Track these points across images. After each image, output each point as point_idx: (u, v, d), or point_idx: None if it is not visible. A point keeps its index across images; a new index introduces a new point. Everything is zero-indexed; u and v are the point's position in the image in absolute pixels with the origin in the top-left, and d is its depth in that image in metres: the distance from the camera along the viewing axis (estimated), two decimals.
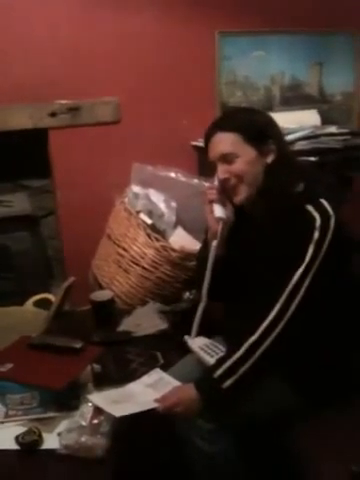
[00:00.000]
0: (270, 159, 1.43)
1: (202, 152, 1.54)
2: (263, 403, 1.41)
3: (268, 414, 1.43)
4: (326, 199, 1.38)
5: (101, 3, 2.34)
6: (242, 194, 1.45)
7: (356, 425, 1.42)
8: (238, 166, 1.42)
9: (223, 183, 1.46)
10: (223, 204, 1.50)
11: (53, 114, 2.36)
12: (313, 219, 1.34)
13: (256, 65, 2.59)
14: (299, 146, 2.28)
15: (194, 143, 2.49)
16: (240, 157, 1.42)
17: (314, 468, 1.34)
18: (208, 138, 1.48)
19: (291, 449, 1.44)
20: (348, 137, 2.43)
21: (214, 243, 1.51)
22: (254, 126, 1.44)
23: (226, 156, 1.43)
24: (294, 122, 2.43)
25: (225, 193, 1.48)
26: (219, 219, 1.49)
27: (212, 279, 1.53)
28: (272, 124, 1.48)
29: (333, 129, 2.51)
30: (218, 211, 1.49)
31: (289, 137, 2.17)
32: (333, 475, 1.28)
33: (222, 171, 1.45)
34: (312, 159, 2.19)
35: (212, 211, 1.50)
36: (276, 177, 1.42)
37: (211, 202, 1.50)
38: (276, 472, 1.54)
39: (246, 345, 1.35)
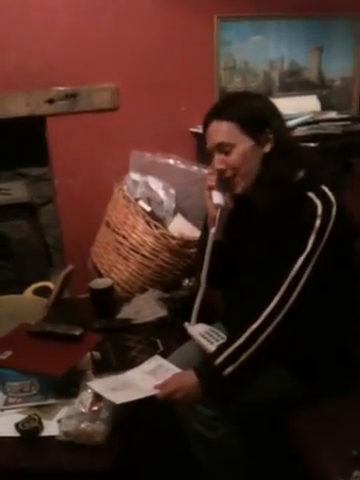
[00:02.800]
0: (268, 148, 1.40)
1: (201, 139, 1.52)
2: (263, 389, 1.41)
3: (268, 400, 1.43)
4: (328, 186, 1.36)
5: None
6: (239, 186, 1.43)
7: (355, 410, 1.42)
8: (234, 157, 1.40)
9: (219, 173, 1.45)
10: (222, 191, 1.48)
11: (50, 101, 2.34)
12: (315, 207, 1.33)
13: (255, 50, 2.56)
14: (299, 132, 2.27)
15: (193, 130, 2.47)
16: (236, 147, 1.39)
17: (313, 452, 1.33)
18: (205, 126, 1.46)
19: (290, 434, 1.44)
20: (348, 123, 2.42)
21: (212, 229, 1.50)
22: (251, 114, 1.40)
23: (222, 146, 1.41)
24: (294, 108, 2.41)
25: (223, 182, 1.47)
26: (217, 206, 1.48)
27: (210, 265, 1.52)
28: (271, 110, 1.44)
29: (333, 115, 2.49)
30: (216, 197, 1.48)
31: (289, 123, 2.15)
32: (332, 459, 1.28)
33: (218, 161, 1.42)
34: (312, 145, 2.18)
35: (211, 197, 1.49)
36: (274, 166, 1.39)
37: (210, 189, 1.50)
38: (276, 457, 1.55)
39: (248, 332, 1.34)
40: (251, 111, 1.40)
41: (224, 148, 1.41)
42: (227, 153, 1.41)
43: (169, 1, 2.41)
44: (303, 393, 1.44)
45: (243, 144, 1.39)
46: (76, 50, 2.33)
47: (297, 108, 2.44)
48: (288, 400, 1.44)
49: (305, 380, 1.44)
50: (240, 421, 1.47)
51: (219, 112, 1.43)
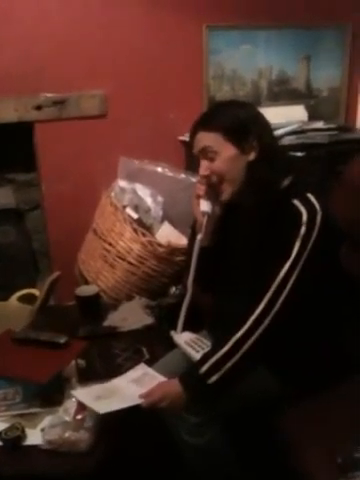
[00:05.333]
0: (252, 156, 1.42)
1: (189, 147, 1.55)
2: (248, 392, 1.41)
3: (253, 403, 1.44)
4: (313, 193, 1.38)
5: None
6: (225, 192, 1.46)
7: (340, 411, 1.42)
8: (218, 164, 1.43)
9: (205, 180, 1.47)
10: (210, 199, 1.50)
11: (38, 107, 2.34)
12: (300, 214, 1.34)
13: (244, 59, 2.58)
14: (286, 141, 2.28)
15: (181, 138, 2.48)
16: (221, 155, 1.42)
17: (301, 456, 1.34)
18: (192, 136, 1.49)
19: (277, 436, 1.44)
20: (335, 132, 2.43)
21: (199, 236, 1.53)
22: (235, 123, 1.42)
23: (206, 151, 1.44)
24: (281, 117, 2.43)
25: (211, 189, 1.48)
26: (205, 213, 1.51)
27: (197, 271, 1.54)
28: (255, 119, 1.46)
29: (320, 124, 2.51)
30: (204, 205, 1.51)
31: (277, 132, 2.17)
32: (318, 465, 1.29)
33: (203, 168, 1.45)
34: (299, 154, 2.19)
35: (199, 205, 1.52)
36: (259, 174, 1.41)
37: (199, 197, 1.52)
38: (264, 460, 1.55)
39: (232, 340, 1.35)
40: (234, 120, 1.43)
41: (208, 154, 1.43)
42: (212, 160, 1.43)
43: (158, 9, 2.41)
44: (288, 395, 1.45)
45: (227, 152, 1.42)
46: (65, 56, 2.33)
47: (285, 117, 2.46)
48: (273, 401, 1.44)
49: (290, 383, 1.45)
50: (227, 424, 1.47)
51: (204, 123, 1.46)
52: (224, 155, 1.42)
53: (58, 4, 2.27)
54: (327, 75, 2.75)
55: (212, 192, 1.49)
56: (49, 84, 2.32)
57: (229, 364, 1.35)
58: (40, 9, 2.25)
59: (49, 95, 2.33)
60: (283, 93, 2.68)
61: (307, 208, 1.35)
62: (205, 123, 1.46)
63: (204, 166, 1.45)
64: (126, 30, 2.39)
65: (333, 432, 1.36)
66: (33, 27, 2.25)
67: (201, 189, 1.50)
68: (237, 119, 1.43)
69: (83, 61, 2.36)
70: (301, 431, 1.40)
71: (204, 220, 1.51)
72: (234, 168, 1.42)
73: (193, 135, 1.48)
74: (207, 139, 1.43)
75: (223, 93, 2.58)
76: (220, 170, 1.43)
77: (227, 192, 1.45)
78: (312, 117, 2.62)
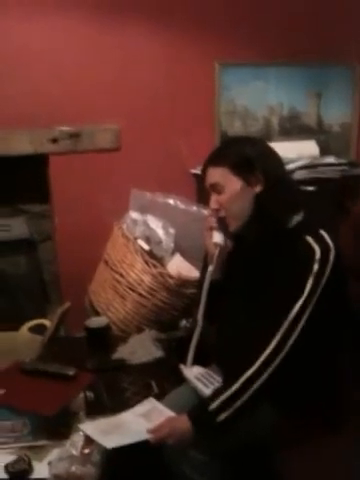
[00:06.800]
0: (258, 188, 1.45)
1: (201, 180, 1.58)
2: (253, 429, 1.39)
3: (258, 439, 1.42)
4: (325, 230, 1.38)
5: (103, 32, 2.38)
6: (233, 224, 1.49)
7: (344, 452, 1.40)
8: (224, 197, 1.47)
9: (214, 213, 1.51)
10: (222, 231, 1.53)
11: (54, 140, 2.38)
12: (313, 251, 1.34)
13: (255, 95, 2.63)
14: (298, 175, 2.30)
15: (193, 171, 2.51)
16: (227, 188, 1.46)
17: None
18: (203, 172, 1.55)
19: (279, 474, 1.41)
20: (346, 167, 2.46)
21: (210, 267, 1.54)
22: (241, 157, 1.46)
23: (215, 187, 1.48)
24: (293, 152, 2.45)
25: (220, 222, 1.51)
26: (216, 244, 1.53)
27: (208, 304, 1.55)
28: (261, 153, 1.48)
29: (331, 159, 2.53)
30: (216, 237, 1.54)
31: (288, 167, 2.19)
32: None
33: (213, 201, 1.50)
34: (310, 188, 2.20)
35: (211, 237, 1.54)
36: (265, 206, 1.43)
37: (211, 229, 1.54)
38: None
39: (243, 378, 1.34)
40: (240, 154, 1.47)
41: (216, 189, 1.48)
42: (220, 193, 1.47)
43: (171, 46, 2.48)
44: (293, 432, 1.42)
45: (233, 185, 1.45)
46: (80, 91, 2.39)
47: (296, 152, 2.48)
48: (276, 438, 1.42)
49: (296, 419, 1.43)
50: (228, 461, 1.45)
51: (212, 159, 1.52)
52: (230, 188, 1.45)
53: (71, 44, 2.33)
54: (337, 111, 2.79)
55: (222, 225, 1.52)
56: (64, 117, 2.37)
57: (239, 402, 1.34)
58: (54, 49, 2.32)
59: (64, 128, 2.38)
60: (294, 129, 2.72)
61: (320, 245, 1.35)
62: (213, 159, 1.51)
63: (213, 200, 1.49)
64: (140, 66, 2.46)
65: (335, 474, 1.33)
66: (48, 66, 2.33)
67: (213, 221, 1.53)
68: (243, 153, 1.47)
69: (98, 96, 2.42)
70: (302, 470, 1.37)
71: (216, 252, 1.53)
72: (240, 201, 1.45)
73: (204, 171, 1.53)
74: (215, 174, 1.48)
75: (235, 129, 2.62)
76: (227, 203, 1.47)
77: (234, 224, 1.48)
78: (323, 152, 2.64)
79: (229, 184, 1.45)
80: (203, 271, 1.63)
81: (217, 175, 1.47)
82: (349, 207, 2.28)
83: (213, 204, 1.49)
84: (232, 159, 1.46)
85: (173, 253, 2.23)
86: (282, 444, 1.43)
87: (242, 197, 1.45)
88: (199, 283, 1.68)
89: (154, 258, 2.12)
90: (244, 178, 1.44)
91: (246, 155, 1.46)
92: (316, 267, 1.33)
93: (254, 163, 1.44)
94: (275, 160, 1.51)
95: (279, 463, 1.43)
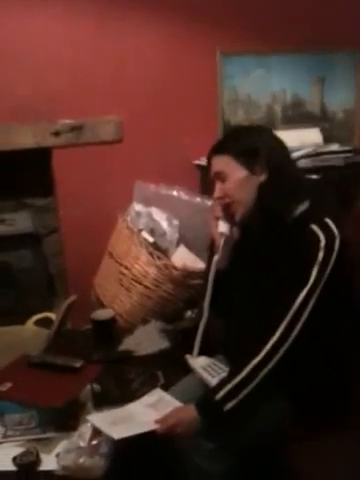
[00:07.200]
0: (263, 177, 1.44)
1: (204, 171, 1.58)
2: (263, 421, 1.39)
3: (268, 433, 1.41)
4: (331, 218, 1.38)
5: (102, 24, 2.37)
6: (237, 213, 1.48)
7: (355, 446, 1.39)
8: (229, 185, 1.46)
9: (219, 201, 1.50)
10: (228, 220, 1.53)
11: (57, 133, 2.38)
12: (318, 239, 1.34)
13: (258, 83, 2.61)
14: (301, 164, 2.29)
15: (196, 162, 2.50)
16: (232, 176, 1.45)
17: None
18: (207, 161, 1.55)
19: (289, 469, 1.41)
20: (350, 155, 2.44)
21: (216, 257, 1.54)
22: (244, 146, 1.46)
23: (219, 175, 1.48)
24: (296, 140, 2.44)
25: (225, 211, 1.50)
26: (222, 234, 1.53)
27: (213, 293, 1.55)
28: (266, 142, 1.48)
29: (335, 147, 2.52)
30: (222, 226, 1.54)
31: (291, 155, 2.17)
32: None
33: (217, 189, 1.50)
34: (314, 177, 2.19)
35: (217, 226, 1.54)
36: (269, 195, 1.42)
37: (217, 219, 1.54)
38: None
39: (249, 367, 1.34)
40: (244, 143, 1.47)
41: (220, 177, 1.48)
42: (224, 181, 1.47)
43: (173, 36, 2.46)
44: (303, 425, 1.41)
45: (237, 174, 1.45)
46: (81, 84, 2.38)
47: (300, 141, 2.47)
48: (288, 432, 1.42)
49: (306, 412, 1.42)
50: (241, 455, 1.45)
51: (217, 148, 1.52)
52: (234, 177, 1.45)
53: (72, 35, 2.32)
54: (341, 98, 2.77)
55: (227, 214, 1.51)
56: (66, 111, 2.37)
57: (245, 391, 1.33)
58: (55, 42, 2.31)
59: (67, 121, 2.38)
60: (297, 116, 2.70)
61: (325, 233, 1.34)
62: (218, 148, 1.51)
63: (218, 188, 1.49)
64: (141, 57, 2.44)
65: (345, 467, 1.32)
66: (49, 58, 2.32)
67: (219, 210, 1.53)
68: (246, 142, 1.47)
69: (99, 88, 2.41)
70: (312, 464, 1.37)
71: (221, 241, 1.53)
72: (244, 189, 1.45)
73: (208, 160, 1.53)
74: (219, 163, 1.48)
75: (238, 117, 2.60)
76: (231, 191, 1.46)
77: (238, 213, 1.47)
78: (327, 140, 2.62)
79: (233, 172, 1.45)
80: (209, 260, 1.63)
81: (221, 163, 1.47)
82: (353, 195, 2.27)
83: (218, 192, 1.49)
84: (236, 148, 1.46)
85: (177, 245, 2.23)
86: (293, 437, 1.43)
87: (246, 185, 1.44)
88: (205, 273, 1.68)
89: (159, 250, 2.12)
90: (248, 167, 1.44)
91: (251, 144, 1.46)
92: (321, 255, 1.32)
93: (259, 152, 1.44)
94: (280, 149, 1.50)
95: (293, 462, 1.42)
